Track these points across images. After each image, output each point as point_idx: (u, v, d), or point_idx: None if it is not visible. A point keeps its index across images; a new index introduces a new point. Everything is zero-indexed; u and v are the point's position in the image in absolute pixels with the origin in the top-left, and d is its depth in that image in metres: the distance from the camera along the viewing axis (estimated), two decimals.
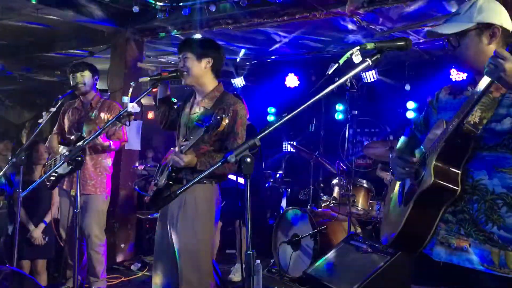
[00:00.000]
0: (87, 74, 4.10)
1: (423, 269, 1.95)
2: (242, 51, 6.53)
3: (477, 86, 1.74)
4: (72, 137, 3.99)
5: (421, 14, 4.69)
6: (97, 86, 4.26)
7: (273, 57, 7.11)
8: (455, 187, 1.76)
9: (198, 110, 2.95)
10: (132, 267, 5.25)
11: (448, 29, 1.87)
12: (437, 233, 1.84)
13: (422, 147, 2.04)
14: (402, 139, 2.28)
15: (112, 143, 3.98)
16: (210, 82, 2.99)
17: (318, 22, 5.08)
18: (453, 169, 1.77)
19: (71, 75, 4.12)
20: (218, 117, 2.56)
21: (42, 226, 4.16)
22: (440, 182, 1.75)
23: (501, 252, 1.70)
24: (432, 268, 1.87)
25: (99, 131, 2.82)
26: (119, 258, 5.49)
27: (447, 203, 1.81)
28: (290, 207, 5.23)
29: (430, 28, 1.89)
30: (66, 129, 4.19)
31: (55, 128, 4.30)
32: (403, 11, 4.61)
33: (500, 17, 1.84)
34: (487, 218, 1.74)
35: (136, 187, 5.41)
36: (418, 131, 2.21)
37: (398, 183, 2.20)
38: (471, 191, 1.77)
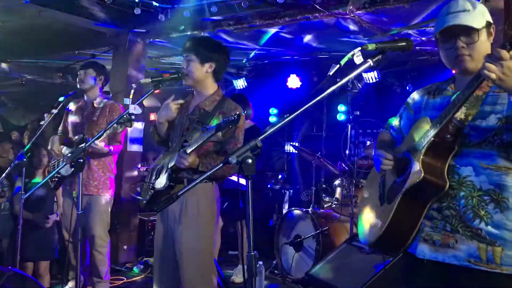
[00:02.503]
0: (90, 72, 4.11)
1: (408, 268, 1.95)
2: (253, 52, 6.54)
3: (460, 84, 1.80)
4: (75, 138, 3.99)
5: (421, 14, 4.69)
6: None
7: (275, 58, 7.12)
8: (444, 183, 1.76)
9: (198, 112, 2.95)
10: (134, 269, 5.25)
11: (475, 21, 1.80)
12: (421, 230, 1.83)
13: (401, 144, 2.03)
14: (381, 137, 2.26)
15: (112, 148, 3.99)
16: (210, 86, 3.00)
17: (320, 23, 5.08)
18: (440, 165, 1.78)
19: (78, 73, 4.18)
20: (235, 115, 2.51)
21: (53, 217, 4.23)
22: (430, 177, 1.75)
23: (488, 248, 1.71)
24: (416, 267, 1.86)
25: (100, 133, 2.82)
26: (122, 260, 5.50)
27: (433, 199, 1.81)
28: (292, 208, 5.23)
29: (452, 22, 1.80)
30: (70, 129, 4.19)
31: (59, 128, 4.31)
32: (404, 12, 4.60)
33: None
34: (474, 214, 1.74)
35: (138, 190, 5.40)
36: (394, 130, 2.22)
37: (375, 183, 2.16)
38: (458, 187, 1.77)
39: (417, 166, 1.78)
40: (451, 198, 1.78)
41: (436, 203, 1.82)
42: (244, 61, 7.19)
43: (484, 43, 1.84)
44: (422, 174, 1.74)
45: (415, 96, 2.11)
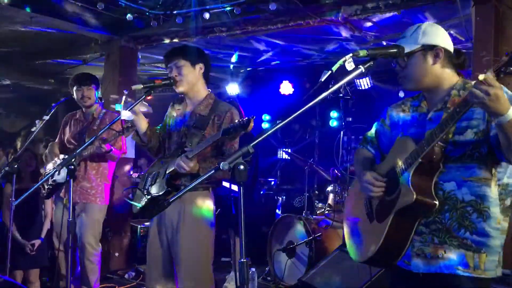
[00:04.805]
0: (93, 88, 4.08)
1: (403, 283, 2.02)
2: (235, 55, 6.56)
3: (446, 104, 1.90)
4: (72, 147, 3.96)
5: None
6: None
7: (267, 64, 7.14)
8: (434, 202, 1.84)
9: (194, 117, 2.95)
10: (125, 276, 5.21)
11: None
12: (412, 245, 1.92)
13: (383, 163, 2.10)
14: (360, 154, 2.29)
15: (113, 149, 3.95)
16: (202, 89, 3.02)
17: (312, 29, 5.10)
18: (428, 184, 1.86)
19: (75, 87, 4.07)
20: (244, 119, 2.44)
21: (37, 242, 4.12)
22: (421, 198, 1.83)
23: (475, 255, 1.83)
24: (412, 281, 1.94)
25: (92, 138, 2.82)
26: (113, 267, 5.45)
27: (422, 216, 1.89)
28: (285, 215, 5.21)
29: None
30: (66, 140, 4.15)
31: (56, 140, 4.28)
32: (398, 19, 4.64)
33: (442, 39, 1.96)
34: (459, 225, 1.85)
35: (130, 195, 5.36)
36: (371, 147, 2.28)
37: (359, 198, 2.19)
38: (442, 202, 1.87)
39: (407, 188, 1.85)
40: (436, 212, 1.87)
41: (423, 218, 1.90)
42: (248, 66, 7.19)
43: (416, 66, 1.94)
44: (414, 196, 1.81)
45: (389, 112, 2.19)
